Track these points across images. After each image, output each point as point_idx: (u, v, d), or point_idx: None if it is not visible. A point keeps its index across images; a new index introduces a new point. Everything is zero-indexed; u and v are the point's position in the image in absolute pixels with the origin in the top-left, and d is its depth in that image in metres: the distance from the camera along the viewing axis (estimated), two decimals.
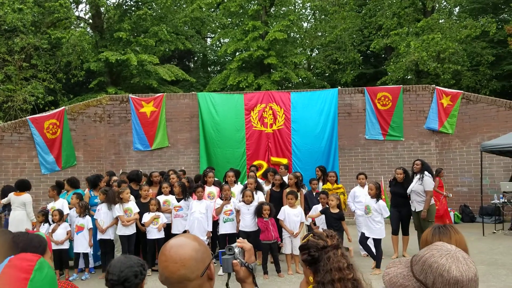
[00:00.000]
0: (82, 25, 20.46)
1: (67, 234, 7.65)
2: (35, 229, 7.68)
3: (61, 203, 8.15)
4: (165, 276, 1.57)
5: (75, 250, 7.70)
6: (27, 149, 11.09)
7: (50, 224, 7.75)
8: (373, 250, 7.50)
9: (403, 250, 8.46)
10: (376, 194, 7.57)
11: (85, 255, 7.90)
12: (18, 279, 1.34)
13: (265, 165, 12.24)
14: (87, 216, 7.84)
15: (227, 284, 1.86)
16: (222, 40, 24.42)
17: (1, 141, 10.72)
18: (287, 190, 8.11)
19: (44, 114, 11.79)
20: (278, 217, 7.72)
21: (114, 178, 9.27)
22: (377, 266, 7.28)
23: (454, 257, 1.41)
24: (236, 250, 1.83)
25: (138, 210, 7.86)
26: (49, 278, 1.42)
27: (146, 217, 7.80)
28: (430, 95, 13.03)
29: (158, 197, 8.18)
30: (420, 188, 8.28)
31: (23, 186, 8.46)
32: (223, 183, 8.75)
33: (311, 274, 2.06)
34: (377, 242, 7.46)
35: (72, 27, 19.59)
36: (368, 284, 2.03)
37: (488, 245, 9.08)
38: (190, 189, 8.38)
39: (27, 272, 1.37)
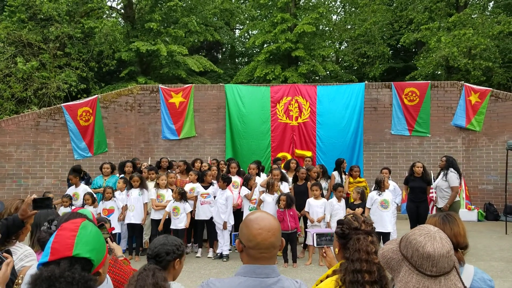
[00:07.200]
0: (114, 15, 20.92)
1: None
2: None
3: (83, 189, 8.40)
4: (257, 242, 1.83)
5: None
6: (61, 135, 11.55)
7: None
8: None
9: None
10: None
11: None
12: (67, 236, 1.66)
13: (289, 157, 12.32)
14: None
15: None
16: (250, 32, 24.54)
17: (37, 126, 11.20)
18: (312, 182, 8.35)
19: (77, 101, 12.21)
20: (304, 209, 8.02)
21: (144, 164, 9.64)
22: None
23: (431, 236, 1.65)
24: None
25: (170, 198, 8.21)
26: (94, 233, 1.73)
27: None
28: (458, 92, 12.90)
29: (187, 185, 8.52)
30: (444, 184, 8.33)
31: None
32: (247, 174, 9.01)
33: (338, 247, 2.34)
34: (387, 236, 7.42)
35: (105, 16, 20.07)
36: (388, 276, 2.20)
37: (509, 243, 9.04)
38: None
39: (74, 230, 1.68)
